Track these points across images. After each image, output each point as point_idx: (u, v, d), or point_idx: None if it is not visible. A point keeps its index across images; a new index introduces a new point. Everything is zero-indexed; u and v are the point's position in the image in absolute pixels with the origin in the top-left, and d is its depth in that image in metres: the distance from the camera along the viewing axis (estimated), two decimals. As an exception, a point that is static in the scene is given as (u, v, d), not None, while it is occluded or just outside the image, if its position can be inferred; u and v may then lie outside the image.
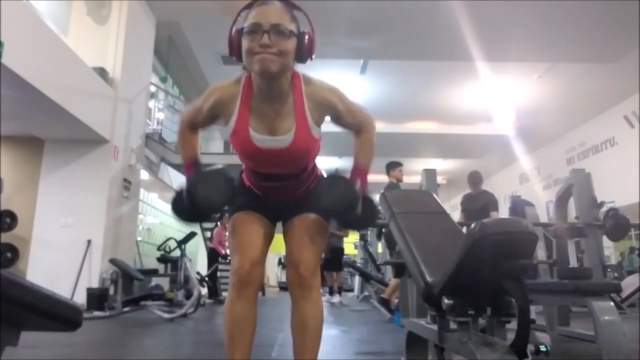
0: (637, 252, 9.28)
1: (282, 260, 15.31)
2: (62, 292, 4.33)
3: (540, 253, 3.62)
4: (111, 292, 5.24)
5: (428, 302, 1.48)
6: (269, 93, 1.32)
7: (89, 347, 2.87)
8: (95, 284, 5.38)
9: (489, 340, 1.29)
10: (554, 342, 2.98)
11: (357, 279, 8.94)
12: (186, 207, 1.37)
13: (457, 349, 1.36)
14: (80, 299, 5.09)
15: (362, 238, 8.63)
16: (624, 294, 5.01)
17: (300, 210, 1.47)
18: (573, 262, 4.14)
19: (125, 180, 6.24)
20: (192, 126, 1.47)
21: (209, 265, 7.84)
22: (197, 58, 8.08)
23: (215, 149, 10.65)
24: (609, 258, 9.34)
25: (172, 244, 6.34)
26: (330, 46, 6.90)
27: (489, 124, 10.67)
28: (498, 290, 1.23)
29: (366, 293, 7.66)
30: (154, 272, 6.93)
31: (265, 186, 1.47)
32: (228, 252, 7.07)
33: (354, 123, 1.42)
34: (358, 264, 8.76)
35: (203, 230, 9.19)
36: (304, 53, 1.30)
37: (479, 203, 5.14)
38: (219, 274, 7.88)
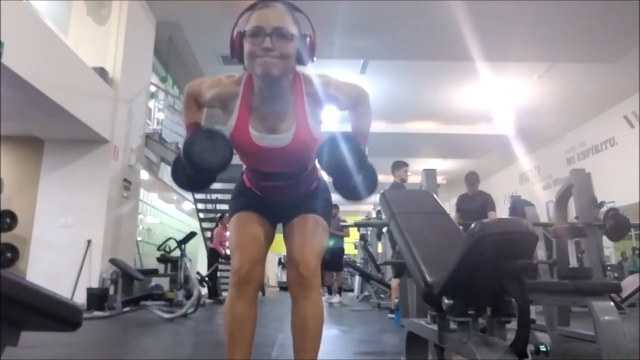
0: (637, 252, 9.28)
1: (282, 260, 15.31)
2: (62, 292, 4.34)
3: (540, 253, 3.62)
4: (111, 292, 5.24)
5: (428, 302, 1.48)
6: (270, 94, 1.33)
7: (89, 347, 2.87)
8: (95, 284, 5.38)
9: (489, 340, 1.29)
10: (554, 342, 2.98)
11: (357, 279, 8.94)
12: (186, 168, 1.35)
13: (457, 349, 1.36)
14: (80, 299, 5.09)
15: (362, 238, 8.63)
16: (624, 294, 5.01)
17: (301, 211, 1.47)
18: (573, 262, 4.14)
19: (125, 180, 6.24)
20: (196, 101, 1.47)
21: (209, 265, 7.84)
22: (197, 58, 8.08)
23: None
24: (609, 258, 9.34)
25: (172, 244, 6.34)
26: (330, 46, 6.90)
27: (489, 124, 10.66)
28: (498, 290, 1.23)
29: (366, 293, 7.66)
30: (154, 272, 6.93)
31: (265, 186, 1.48)
32: (228, 252, 7.08)
33: (353, 102, 1.45)
34: (358, 264, 8.76)
35: (203, 230, 9.20)
36: (305, 55, 1.32)
37: (475, 203, 5.14)
38: (219, 274, 7.88)
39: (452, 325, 1.45)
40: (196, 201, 8.98)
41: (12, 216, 5.74)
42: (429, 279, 1.45)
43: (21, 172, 6.08)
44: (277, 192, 1.48)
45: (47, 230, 5.65)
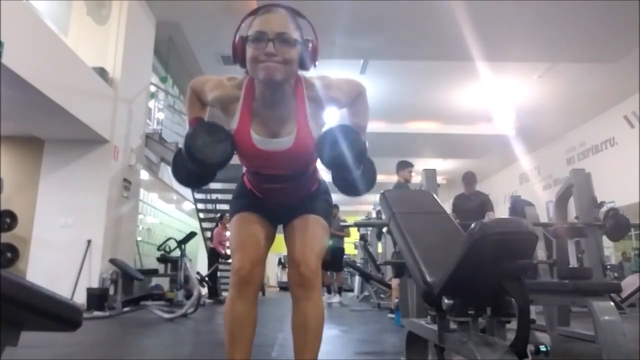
0: (637, 252, 9.27)
1: (282, 260, 15.32)
2: (62, 292, 4.33)
3: (540, 253, 3.62)
4: (111, 292, 5.24)
5: (428, 302, 1.48)
6: (272, 99, 1.33)
7: (89, 347, 2.87)
8: (95, 284, 5.39)
9: (489, 340, 1.29)
10: (554, 342, 2.98)
11: (357, 279, 8.94)
12: (186, 163, 1.35)
13: (457, 349, 1.36)
14: (80, 299, 5.09)
15: (362, 238, 8.64)
16: (624, 294, 5.01)
17: (301, 212, 1.48)
18: (573, 262, 4.14)
19: (125, 180, 6.25)
20: (199, 98, 1.47)
21: (209, 265, 7.84)
22: (197, 58, 8.08)
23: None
24: (609, 258, 9.34)
25: (172, 244, 6.34)
26: (330, 46, 6.90)
27: (489, 124, 10.66)
28: (498, 290, 1.23)
29: (366, 293, 7.66)
30: (154, 272, 6.93)
31: (266, 188, 1.48)
32: (228, 252, 7.09)
33: (352, 99, 1.45)
34: (358, 264, 8.76)
35: (203, 230, 9.20)
36: (307, 60, 1.32)
37: (472, 203, 5.14)
38: (219, 274, 7.88)
39: (452, 325, 1.45)
40: (196, 201, 8.98)
41: (12, 216, 5.74)
42: (429, 279, 1.45)
43: (21, 172, 6.08)
44: (278, 194, 1.49)
45: (47, 230, 5.66)
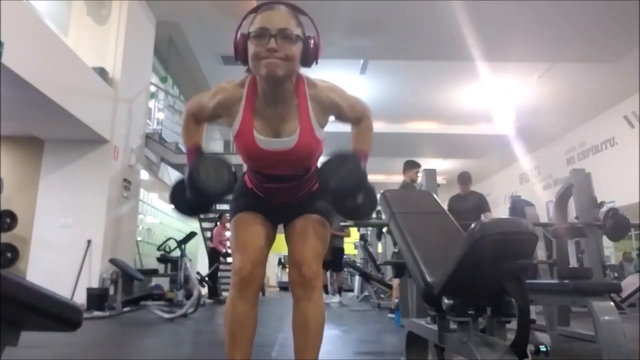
0: (637, 252, 9.25)
1: (282, 260, 15.31)
2: (62, 292, 4.33)
3: (540, 253, 3.62)
4: (111, 292, 5.24)
5: (428, 302, 1.48)
6: (274, 96, 1.33)
7: (89, 347, 2.87)
8: (95, 284, 5.38)
9: (489, 340, 1.29)
10: (554, 342, 2.98)
11: (357, 279, 8.94)
12: (187, 195, 1.36)
13: (457, 349, 1.36)
14: (80, 299, 5.09)
15: (362, 238, 8.64)
16: (624, 294, 5.01)
17: (302, 212, 1.48)
18: (573, 262, 4.14)
19: (125, 180, 6.25)
20: (197, 119, 1.47)
21: (209, 265, 7.84)
22: (197, 58, 8.08)
23: (215, 149, 10.66)
24: (609, 258, 9.33)
25: (172, 244, 6.34)
26: (330, 46, 6.90)
27: (489, 124, 10.67)
28: (498, 290, 1.23)
29: (366, 293, 7.66)
30: (154, 272, 6.93)
31: (267, 188, 1.48)
32: (229, 250, 7.08)
33: (356, 115, 1.44)
34: (358, 264, 8.76)
35: (203, 230, 9.19)
36: (309, 57, 1.32)
37: (469, 203, 5.13)
38: (219, 273, 7.87)
39: (452, 325, 1.45)
40: (196, 201, 8.95)
41: (12, 216, 5.74)
42: (429, 279, 1.45)
43: (21, 172, 6.08)
44: (279, 194, 1.48)
45: (47, 230, 5.65)
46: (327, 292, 7.43)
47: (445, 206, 2.05)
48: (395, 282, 4.55)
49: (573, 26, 6.62)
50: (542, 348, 1.19)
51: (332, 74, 7.81)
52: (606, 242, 5.13)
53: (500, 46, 7.18)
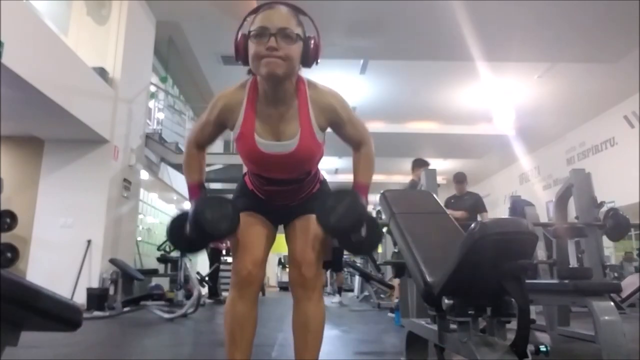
0: (637, 252, 9.24)
1: (282, 260, 15.30)
2: (62, 292, 4.33)
3: (540, 253, 3.61)
4: (111, 292, 5.24)
5: (428, 302, 1.48)
6: (274, 97, 1.32)
7: (89, 347, 2.87)
8: (95, 284, 5.39)
9: (489, 340, 1.29)
10: (554, 342, 2.98)
11: (357, 279, 8.94)
12: (189, 235, 1.35)
13: (457, 349, 1.36)
14: (80, 299, 5.09)
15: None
16: (624, 294, 5.00)
17: (303, 212, 1.48)
18: (573, 262, 4.13)
19: (125, 180, 6.24)
20: (199, 144, 1.45)
21: (210, 265, 7.84)
22: (197, 58, 8.08)
23: (215, 149, 10.64)
24: (609, 258, 9.32)
25: (172, 244, 6.32)
26: (330, 46, 6.90)
27: (489, 124, 10.66)
28: (498, 290, 1.23)
29: (366, 293, 7.66)
30: (154, 272, 6.92)
31: (268, 190, 1.48)
32: (229, 244, 7.04)
33: (355, 134, 1.42)
34: (358, 264, 8.76)
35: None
36: (309, 57, 1.32)
37: (465, 203, 5.13)
38: (219, 273, 7.87)
39: (452, 325, 1.45)
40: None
41: (12, 216, 5.74)
42: (429, 279, 1.45)
43: (21, 172, 6.08)
44: (279, 196, 1.49)
45: (47, 230, 5.66)
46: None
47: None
48: (397, 282, 4.55)
49: (573, 26, 6.62)
50: (542, 348, 1.19)
51: (332, 74, 7.81)
52: (606, 242, 5.12)
53: (500, 46, 7.17)
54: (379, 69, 8.27)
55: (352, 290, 10.19)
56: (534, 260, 3.09)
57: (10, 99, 4.54)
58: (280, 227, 1.56)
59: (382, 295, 6.89)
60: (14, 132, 5.89)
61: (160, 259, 7.37)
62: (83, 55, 5.44)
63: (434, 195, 2.09)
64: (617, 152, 9.50)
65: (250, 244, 1.40)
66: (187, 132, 1.36)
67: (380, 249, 7.79)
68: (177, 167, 7.81)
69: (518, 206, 4.86)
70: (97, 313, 4.63)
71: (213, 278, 7.66)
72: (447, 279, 1.31)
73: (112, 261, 5.44)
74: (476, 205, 5.13)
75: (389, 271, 6.11)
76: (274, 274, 16.35)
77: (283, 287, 14.61)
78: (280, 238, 1.52)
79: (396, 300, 4.32)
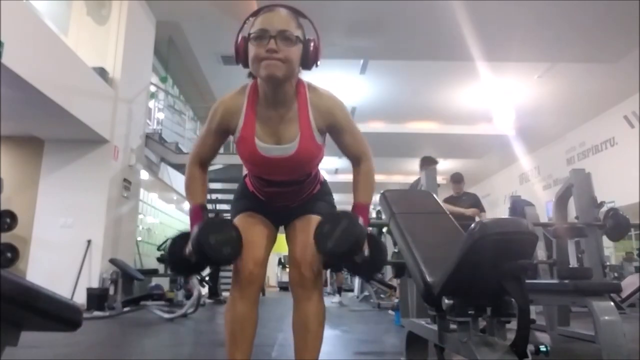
0: (637, 252, 9.24)
1: (282, 260, 15.31)
2: (62, 292, 4.33)
3: (540, 253, 3.61)
4: (111, 292, 5.24)
5: (428, 302, 1.48)
6: (274, 99, 1.32)
7: (89, 347, 2.87)
8: (95, 284, 5.39)
9: (489, 340, 1.29)
10: (554, 342, 2.98)
11: (357, 279, 8.94)
12: (189, 258, 1.33)
13: (457, 349, 1.36)
14: (80, 299, 5.09)
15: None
16: (624, 294, 5.00)
17: (303, 213, 1.48)
18: (573, 262, 4.13)
19: (125, 180, 6.25)
20: (202, 161, 1.44)
21: (209, 265, 7.83)
22: (197, 58, 8.08)
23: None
24: (609, 258, 9.32)
25: (172, 244, 6.32)
26: (330, 46, 6.90)
27: (489, 124, 10.66)
28: (498, 290, 1.23)
29: (366, 293, 7.66)
30: (154, 272, 6.93)
31: (268, 192, 1.48)
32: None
33: (354, 145, 1.41)
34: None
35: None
36: (309, 60, 1.32)
37: (463, 204, 5.12)
38: (219, 273, 7.87)
39: (452, 325, 1.45)
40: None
41: (12, 216, 5.74)
42: (429, 279, 1.45)
43: (21, 172, 6.08)
44: (280, 197, 1.49)
45: (47, 230, 5.66)
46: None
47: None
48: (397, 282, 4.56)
49: (573, 26, 6.61)
50: (542, 348, 1.19)
51: (332, 74, 7.82)
52: (606, 242, 5.12)
53: (500, 46, 7.17)
54: (379, 69, 8.27)
55: (352, 290, 10.20)
56: (534, 260, 3.10)
57: (10, 99, 4.54)
58: (281, 228, 1.56)
59: (382, 295, 6.89)
60: (14, 132, 5.89)
61: (160, 259, 7.36)
62: (83, 55, 5.45)
63: (434, 195, 2.09)
64: (617, 152, 9.50)
65: (252, 243, 1.40)
66: (189, 153, 1.33)
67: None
68: (177, 167, 7.82)
69: (518, 206, 4.85)
70: (97, 313, 4.63)
71: (213, 278, 7.66)
72: (447, 279, 1.31)
73: (112, 261, 5.45)
74: (475, 205, 5.13)
75: (389, 271, 6.11)
76: (274, 274, 16.36)
77: (283, 287, 14.61)
78: (281, 238, 1.52)
79: (396, 300, 4.31)
